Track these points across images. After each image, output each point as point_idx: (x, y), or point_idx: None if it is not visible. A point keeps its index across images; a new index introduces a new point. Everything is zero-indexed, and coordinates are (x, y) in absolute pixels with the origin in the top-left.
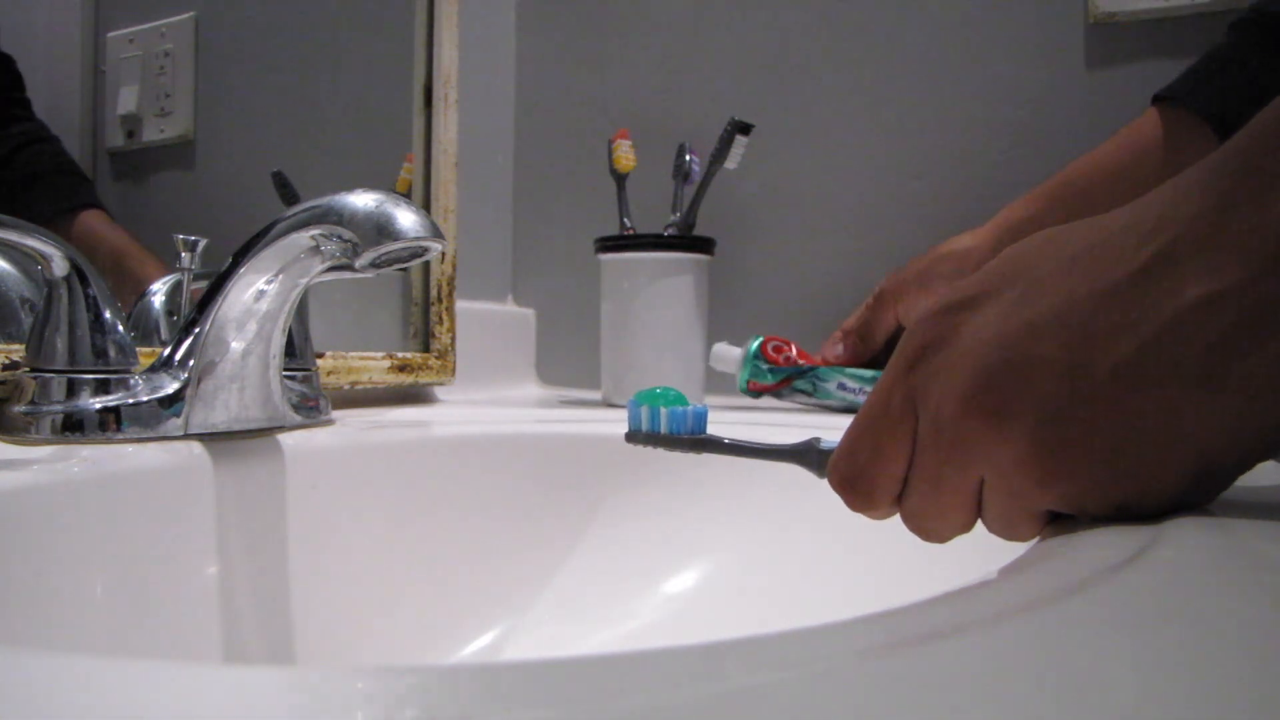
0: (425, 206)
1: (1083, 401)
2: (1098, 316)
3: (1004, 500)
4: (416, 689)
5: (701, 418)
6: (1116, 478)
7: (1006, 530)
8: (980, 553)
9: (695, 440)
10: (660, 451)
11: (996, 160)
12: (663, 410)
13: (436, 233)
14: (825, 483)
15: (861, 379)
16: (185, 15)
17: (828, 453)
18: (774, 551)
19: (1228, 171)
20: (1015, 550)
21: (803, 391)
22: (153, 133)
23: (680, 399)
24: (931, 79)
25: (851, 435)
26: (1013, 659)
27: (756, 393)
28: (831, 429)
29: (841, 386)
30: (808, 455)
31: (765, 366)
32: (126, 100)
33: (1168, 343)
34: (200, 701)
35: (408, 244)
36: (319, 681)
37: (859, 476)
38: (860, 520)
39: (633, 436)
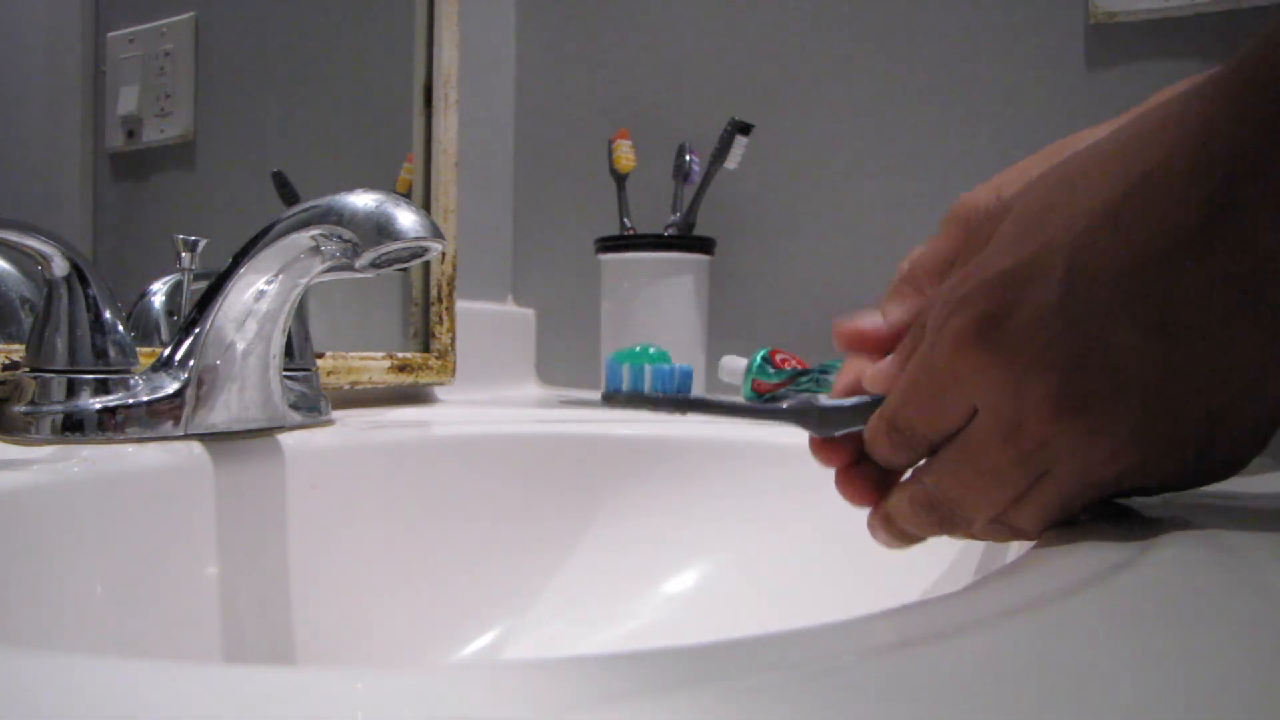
0: (425, 206)
1: (1174, 384)
2: (1172, 290)
3: (1071, 484)
4: (415, 690)
5: (687, 376)
6: (1201, 460)
7: (1044, 518)
8: (974, 554)
9: (681, 400)
10: (661, 450)
11: (997, 162)
12: (646, 368)
13: (437, 233)
14: (826, 484)
15: None
16: (185, 15)
17: (830, 410)
18: (774, 551)
19: (1254, 100)
20: (1006, 552)
21: (807, 390)
22: (153, 133)
23: (663, 356)
24: (932, 79)
25: (910, 388)
26: (1015, 658)
27: (761, 395)
28: None
29: None
30: (807, 414)
31: (770, 369)
32: (127, 100)
33: (1250, 304)
34: (200, 702)
35: (408, 244)
36: (319, 682)
37: (909, 428)
38: (859, 520)
39: (612, 398)
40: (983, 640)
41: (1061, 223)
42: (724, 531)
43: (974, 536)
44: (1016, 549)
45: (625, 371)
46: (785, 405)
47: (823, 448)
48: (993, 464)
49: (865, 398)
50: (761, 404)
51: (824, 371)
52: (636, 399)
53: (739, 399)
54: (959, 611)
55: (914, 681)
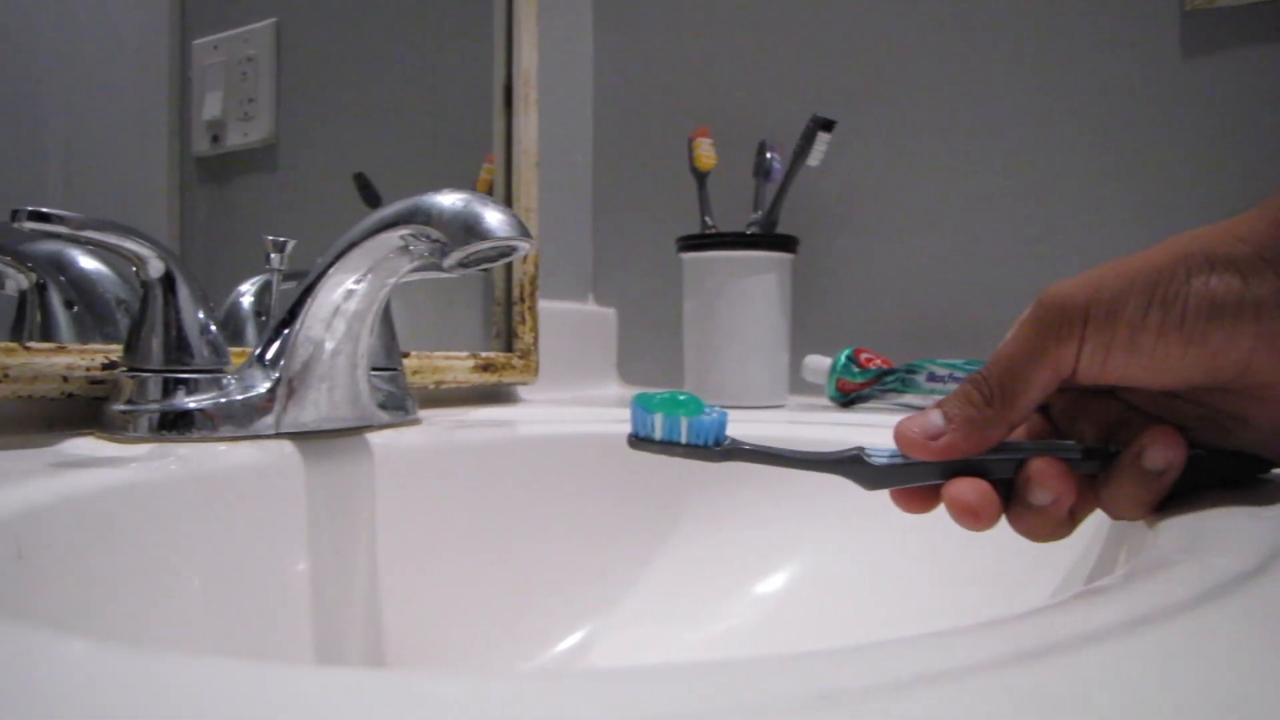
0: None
1: None
2: None
3: None
4: (510, 695)
5: (723, 425)
6: None
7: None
8: (1073, 562)
9: (721, 450)
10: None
11: (1087, 156)
12: (683, 421)
13: (524, 232)
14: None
15: (953, 364)
16: (268, 21)
17: (877, 467)
18: (866, 554)
19: None
20: (1096, 561)
21: (893, 390)
22: (236, 137)
23: (695, 403)
24: (1019, 71)
25: None
26: (1152, 668)
27: (845, 394)
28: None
29: (932, 377)
30: (854, 466)
31: (855, 368)
32: (211, 106)
33: None
34: (293, 703)
35: (496, 243)
36: (410, 684)
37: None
38: (954, 525)
39: (642, 443)
40: (1118, 649)
41: None
42: (814, 533)
43: None
44: (1124, 558)
45: (658, 421)
46: (831, 455)
47: (903, 498)
48: None
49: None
50: (808, 454)
51: (910, 371)
52: (670, 447)
53: (780, 448)
54: (1086, 619)
55: (1053, 692)
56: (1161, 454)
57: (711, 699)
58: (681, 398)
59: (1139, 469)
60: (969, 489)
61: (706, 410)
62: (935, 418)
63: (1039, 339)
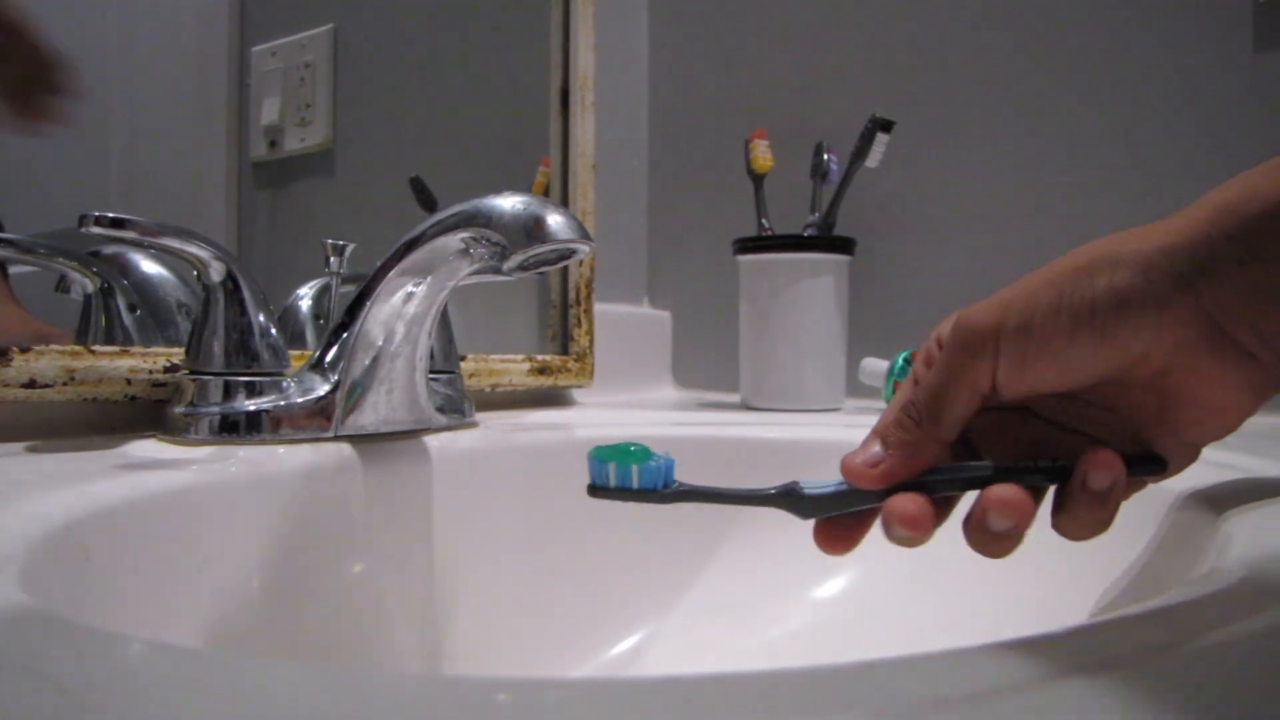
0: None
1: None
2: None
3: None
4: (560, 703)
5: (670, 469)
6: None
7: None
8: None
9: (669, 493)
10: (804, 453)
11: (1153, 153)
12: (634, 468)
13: (585, 234)
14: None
15: None
16: (325, 27)
17: (811, 497)
18: (924, 561)
19: None
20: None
21: None
22: (294, 142)
23: (645, 453)
24: (1083, 66)
25: None
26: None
27: None
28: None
29: None
30: (790, 498)
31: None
32: (269, 111)
33: None
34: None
35: (556, 246)
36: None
37: None
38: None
39: (599, 491)
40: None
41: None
42: (870, 537)
43: None
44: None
45: (612, 470)
46: (772, 490)
47: (821, 532)
48: None
49: (845, 485)
50: (747, 491)
51: None
52: (625, 493)
53: (722, 487)
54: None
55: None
56: (1105, 475)
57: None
58: (632, 448)
59: (1089, 493)
60: (909, 501)
61: (655, 457)
62: (875, 447)
63: (956, 361)
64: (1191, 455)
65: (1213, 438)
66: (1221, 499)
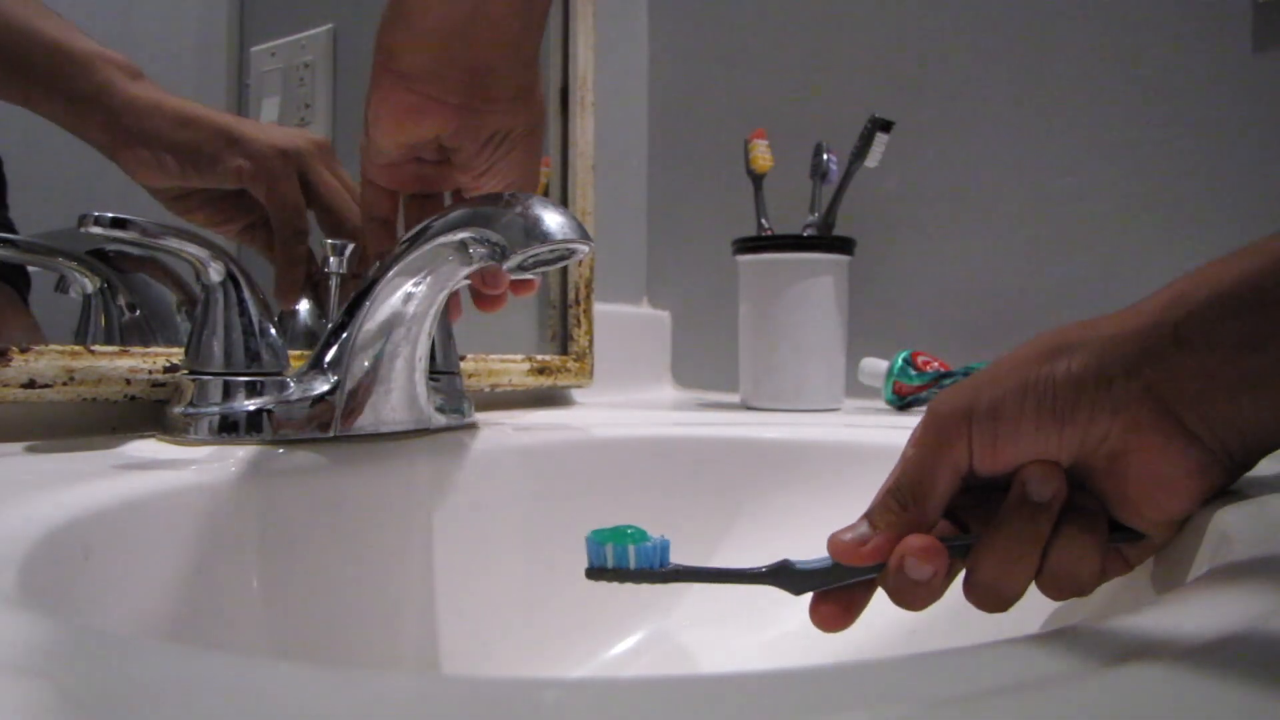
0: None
1: None
2: None
3: None
4: (559, 703)
5: (666, 549)
6: None
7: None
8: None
9: (666, 572)
10: (803, 453)
11: (1153, 153)
12: (630, 549)
13: (584, 234)
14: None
15: None
16: (324, 27)
17: (803, 573)
18: None
19: None
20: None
21: None
22: None
23: (641, 534)
24: (1082, 67)
25: None
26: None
27: (902, 397)
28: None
29: None
30: (781, 575)
31: (912, 371)
32: (269, 111)
33: None
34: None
35: (555, 246)
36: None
37: None
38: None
39: (598, 573)
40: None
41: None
42: None
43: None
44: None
45: (609, 551)
46: (763, 569)
47: (817, 612)
48: None
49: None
50: (738, 569)
51: (968, 374)
52: (622, 574)
53: (717, 566)
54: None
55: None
56: (1045, 484)
57: (777, 710)
58: (629, 530)
59: (1029, 504)
60: (917, 538)
61: (650, 539)
62: (863, 528)
63: (934, 444)
64: (1166, 530)
65: (1169, 516)
66: (1220, 498)
